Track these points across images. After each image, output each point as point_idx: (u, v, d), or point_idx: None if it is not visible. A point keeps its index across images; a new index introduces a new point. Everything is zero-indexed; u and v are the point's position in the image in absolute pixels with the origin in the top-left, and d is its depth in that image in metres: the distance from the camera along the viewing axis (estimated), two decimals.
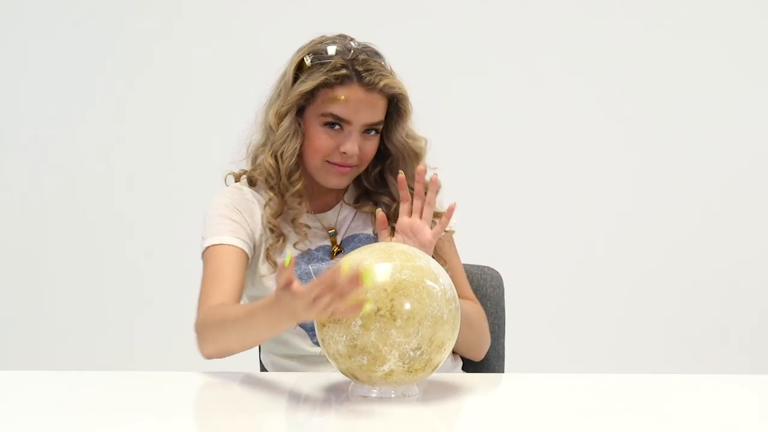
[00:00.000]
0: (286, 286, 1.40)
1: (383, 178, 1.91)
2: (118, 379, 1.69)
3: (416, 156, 1.88)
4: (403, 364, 1.45)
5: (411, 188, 1.84)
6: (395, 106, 1.84)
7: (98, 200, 3.44)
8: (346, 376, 1.50)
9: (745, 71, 3.41)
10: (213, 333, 1.65)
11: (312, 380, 1.55)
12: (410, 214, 1.77)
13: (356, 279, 1.37)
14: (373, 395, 1.49)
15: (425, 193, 1.76)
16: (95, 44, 3.42)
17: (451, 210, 1.74)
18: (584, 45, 3.40)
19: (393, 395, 1.49)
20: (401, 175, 1.77)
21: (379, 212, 1.76)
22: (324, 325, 1.47)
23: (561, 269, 3.42)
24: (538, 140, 3.42)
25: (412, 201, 1.77)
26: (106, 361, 3.36)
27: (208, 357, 1.68)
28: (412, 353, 1.44)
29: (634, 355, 3.40)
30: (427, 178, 1.81)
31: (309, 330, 1.85)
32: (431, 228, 1.75)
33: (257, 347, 1.99)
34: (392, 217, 1.87)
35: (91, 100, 3.43)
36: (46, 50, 3.43)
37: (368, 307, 1.41)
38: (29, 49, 3.43)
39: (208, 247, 1.81)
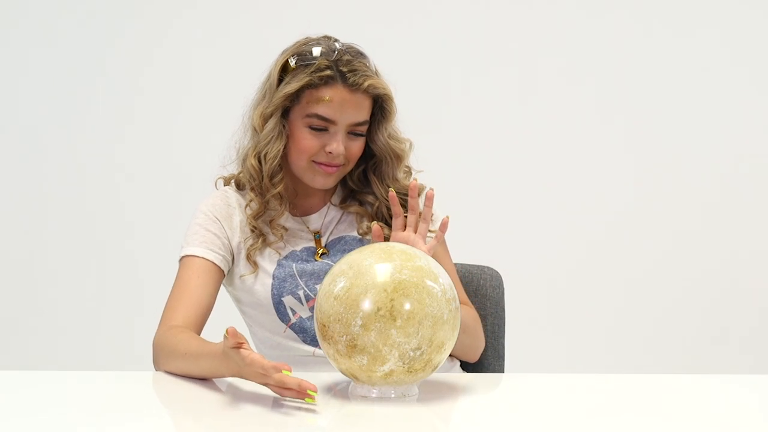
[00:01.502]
0: (236, 347, 1.46)
1: (367, 178, 1.92)
2: (118, 379, 1.69)
3: (398, 158, 1.89)
4: (403, 364, 1.45)
5: (403, 196, 1.84)
6: (380, 107, 1.85)
7: (98, 200, 3.44)
8: (346, 376, 1.50)
9: (742, 70, 3.41)
10: (164, 357, 1.70)
11: (312, 380, 1.55)
12: (404, 228, 1.78)
13: (301, 395, 1.42)
14: (373, 395, 1.49)
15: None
16: (96, 45, 3.42)
17: (444, 224, 1.76)
18: (583, 45, 3.40)
19: (393, 395, 1.49)
20: (392, 192, 1.78)
21: (375, 225, 1.77)
22: (324, 326, 1.47)
23: (561, 269, 3.42)
24: (537, 140, 3.42)
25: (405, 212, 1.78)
26: (106, 361, 3.36)
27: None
28: (412, 353, 1.44)
29: (634, 355, 3.40)
30: (410, 181, 1.82)
31: (300, 332, 1.86)
32: (426, 242, 1.75)
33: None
34: (375, 216, 1.90)
35: (91, 101, 3.43)
36: (46, 51, 3.42)
37: (311, 400, 1.43)
38: (29, 50, 3.43)
39: (183, 257, 1.85)
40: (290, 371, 1.43)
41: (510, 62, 3.41)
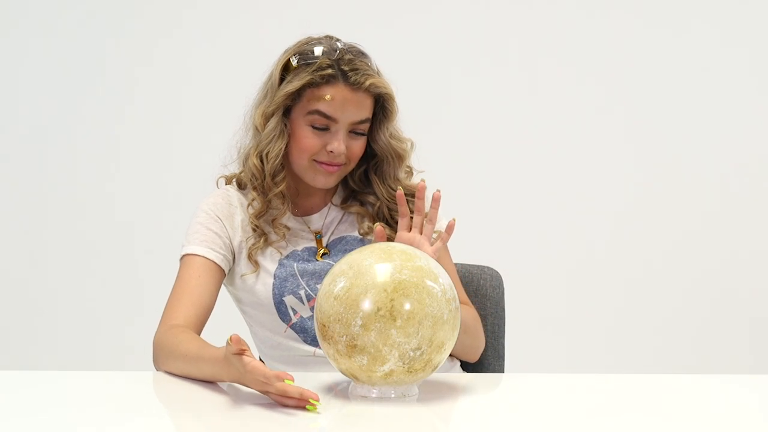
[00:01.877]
0: (238, 353, 1.45)
1: (368, 178, 1.92)
2: (118, 379, 1.69)
3: (399, 157, 1.89)
4: (403, 364, 1.45)
5: (410, 196, 1.84)
6: (381, 106, 1.85)
7: (98, 200, 3.44)
8: (346, 376, 1.50)
9: (742, 70, 3.41)
10: (164, 356, 1.69)
11: (312, 380, 1.55)
12: (409, 229, 1.78)
13: (302, 403, 1.41)
14: (373, 395, 1.49)
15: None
16: (95, 45, 3.42)
17: (451, 226, 1.75)
18: (583, 45, 3.40)
19: (393, 395, 1.49)
20: (400, 191, 1.77)
21: (378, 226, 1.76)
22: (324, 326, 1.47)
23: (561, 269, 3.42)
24: (537, 140, 3.42)
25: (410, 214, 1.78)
26: (106, 361, 3.36)
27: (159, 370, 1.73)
28: (412, 353, 1.44)
29: (634, 354, 3.40)
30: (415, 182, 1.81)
31: (300, 332, 1.86)
32: (431, 244, 1.75)
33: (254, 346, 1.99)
34: (376, 216, 1.90)
35: (91, 100, 3.43)
36: (46, 51, 3.42)
37: (312, 408, 1.42)
38: (29, 50, 3.43)
39: (184, 255, 1.85)
40: (292, 381, 1.43)
41: (510, 62, 3.41)
